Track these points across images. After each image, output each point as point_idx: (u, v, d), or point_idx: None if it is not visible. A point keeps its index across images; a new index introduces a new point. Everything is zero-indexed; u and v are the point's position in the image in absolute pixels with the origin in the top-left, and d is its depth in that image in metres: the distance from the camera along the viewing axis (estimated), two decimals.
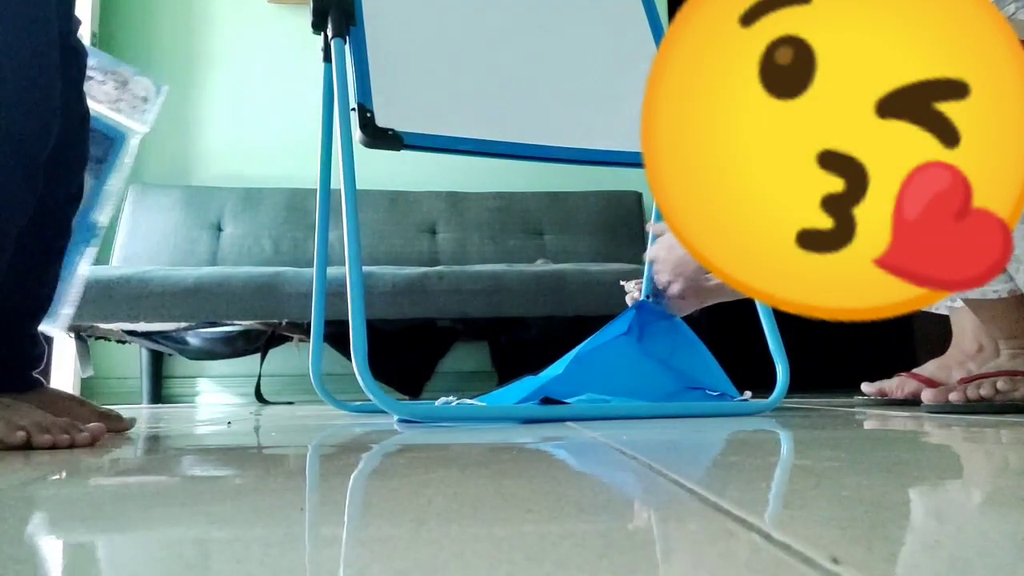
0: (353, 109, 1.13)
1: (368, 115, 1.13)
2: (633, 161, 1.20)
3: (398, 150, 1.14)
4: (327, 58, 1.20)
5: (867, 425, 0.96)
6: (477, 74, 1.26)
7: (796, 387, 1.26)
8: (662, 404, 1.19)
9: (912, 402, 1.39)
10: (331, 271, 2.09)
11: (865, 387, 1.49)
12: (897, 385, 1.45)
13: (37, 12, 0.84)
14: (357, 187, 1.10)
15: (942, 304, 1.40)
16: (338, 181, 1.16)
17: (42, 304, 0.98)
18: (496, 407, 1.18)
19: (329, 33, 1.19)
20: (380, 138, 1.12)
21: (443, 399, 1.22)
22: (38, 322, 0.98)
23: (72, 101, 0.95)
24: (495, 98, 1.24)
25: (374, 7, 1.22)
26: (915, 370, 1.46)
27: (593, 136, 1.24)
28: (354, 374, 0.99)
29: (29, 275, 0.95)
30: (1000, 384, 1.11)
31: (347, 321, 1.01)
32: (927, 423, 0.96)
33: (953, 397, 1.14)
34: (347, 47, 1.17)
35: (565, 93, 1.30)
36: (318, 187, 1.42)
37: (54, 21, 0.87)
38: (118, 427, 0.97)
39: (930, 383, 1.38)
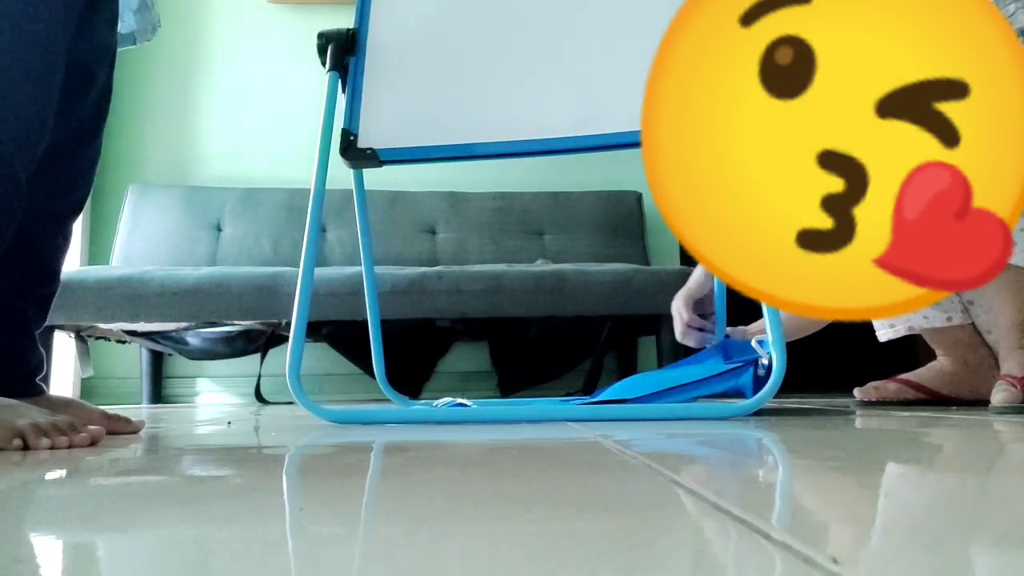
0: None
1: (351, 138, 1.20)
2: (600, 144, 1.19)
3: (379, 167, 1.22)
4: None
5: (867, 425, 0.96)
6: (470, 80, 1.26)
7: (794, 387, 1.27)
8: (662, 406, 1.18)
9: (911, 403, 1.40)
10: (330, 271, 2.09)
11: (857, 392, 1.51)
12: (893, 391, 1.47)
13: (39, 36, 0.85)
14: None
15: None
16: (333, 183, 1.19)
17: (40, 311, 0.98)
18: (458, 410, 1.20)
19: (327, 66, 1.25)
20: (360, 159, 1.20)
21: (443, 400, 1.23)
22: (37, 328, 0.98)
23: (70, 119, 0.94)
24: (483, 101, 1.25)
25: (379, 35, 1.26)
26: (907, 375, 1.47)
27: (579, 124, 1.22)
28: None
29: (27, 283, 0.95)
30: (890, 389, 1.33)
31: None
32: (929, 423, 0.96)
33: (857, 394, 1.38)
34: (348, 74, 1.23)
35: (556, 84, 1.27)
36: (312, 192, 1.43)
37: (61, 43, 0.87)
38: (127, 429, 0.96)
39: (918, 388, 1.40)
